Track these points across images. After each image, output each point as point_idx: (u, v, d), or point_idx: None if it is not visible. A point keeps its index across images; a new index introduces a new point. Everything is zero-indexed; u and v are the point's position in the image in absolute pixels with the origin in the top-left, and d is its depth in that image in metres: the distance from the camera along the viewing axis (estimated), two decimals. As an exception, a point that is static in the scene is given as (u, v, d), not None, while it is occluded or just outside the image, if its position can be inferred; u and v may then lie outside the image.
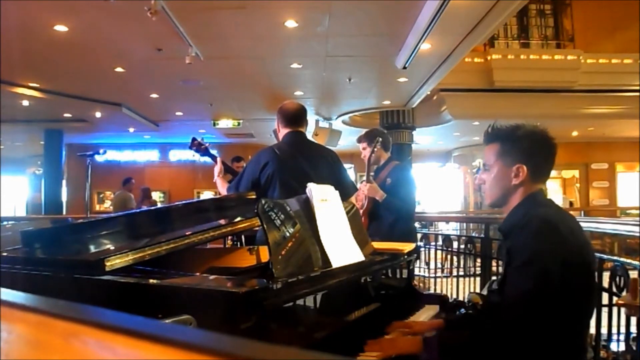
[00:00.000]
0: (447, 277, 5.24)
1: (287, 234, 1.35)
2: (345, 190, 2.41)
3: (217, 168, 2.81)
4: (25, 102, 7.61)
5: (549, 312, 1.25)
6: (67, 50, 5.48)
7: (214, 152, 3.05)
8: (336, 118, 9.49)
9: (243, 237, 3.73)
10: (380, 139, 3.26)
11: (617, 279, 2.39)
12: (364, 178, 3.32)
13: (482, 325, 1.41)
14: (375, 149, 3.23)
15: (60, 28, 4.83)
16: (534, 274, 1.26)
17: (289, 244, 1.34)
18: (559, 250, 1.28)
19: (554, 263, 1.26)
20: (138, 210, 5.23)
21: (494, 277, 3.74)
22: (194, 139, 2.90)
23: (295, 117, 2.59)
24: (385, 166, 3.32)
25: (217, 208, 2.07)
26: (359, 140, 3.40)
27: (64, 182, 10.28)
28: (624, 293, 2.30)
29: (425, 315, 1.79)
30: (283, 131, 2.61)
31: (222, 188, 2.68)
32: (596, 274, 2.69)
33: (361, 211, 3.11)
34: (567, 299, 1.27)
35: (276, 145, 2.57)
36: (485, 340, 1.31)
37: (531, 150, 1.43)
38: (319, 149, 2.74)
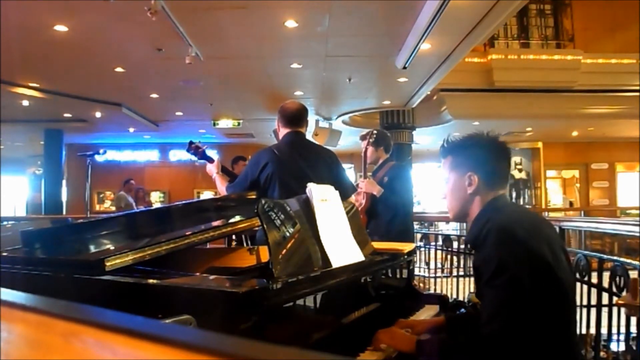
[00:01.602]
0: (447, 277, 5.24)
1: (287, 234, 1.35)
2: (344, 191, 2.41)
3: (215, 165, 2.77)
4: (25, 102, 7.60)
5: (529, 317, 1.24)
6: (67, 50, 5.48)
7: (213, 152, 3.04)
8: (336, 118, 9.49)
9: (249, 237, 3.72)
10: (375, 132, 3.35)
11: (617, 279, 2.39)
12: (361, 175, 3.38)
13: (475, 333, 1.40)
14: (371, 140, 3.29)
15: (60, 28, 4.83)
16: (504, 284, 1.25)
17: (289, 244, 1.34)
18: (522, 254, 1.27)
19: (520, 268, 1.25)
20: (138, 210, 5.24)
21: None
22: (191, 142, 2.88)
23: (295, 118, 2.59)
24: (383, 166, 3.38)
25: (217, 208, 2.07)
26: (362, 138, 3.48)
27: (64, 182, 10.26)
28: (624, 293, 2.30)
29: (425, 315, 1.80)
30: (283, 131, 2.60)
31: (222, 186, 2.67)
32: (596, 273, 2.71)
33: (359, 210, 3.14)
34: (543, 299, 1.26)
35: (275, 146, 2.57)
36: (478, 348, 1.30)
37: (480, 157, 1.45)
38: (318, 149, 2.74)
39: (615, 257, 2.73)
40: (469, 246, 4.43)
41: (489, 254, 1.31)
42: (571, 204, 12.20)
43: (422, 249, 5.37)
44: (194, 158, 2.94)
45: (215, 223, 1.75)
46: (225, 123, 9.82)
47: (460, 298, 4.09)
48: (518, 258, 1.26)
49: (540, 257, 1.28)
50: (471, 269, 4.84)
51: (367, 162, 3.38)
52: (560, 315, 1.32)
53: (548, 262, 1.28)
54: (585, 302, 2.71)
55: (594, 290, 2.67)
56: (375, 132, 3.36)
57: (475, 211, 1.45)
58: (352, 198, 2.88)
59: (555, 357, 1.31)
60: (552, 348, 1.28)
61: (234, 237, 3.75)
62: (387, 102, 8.38)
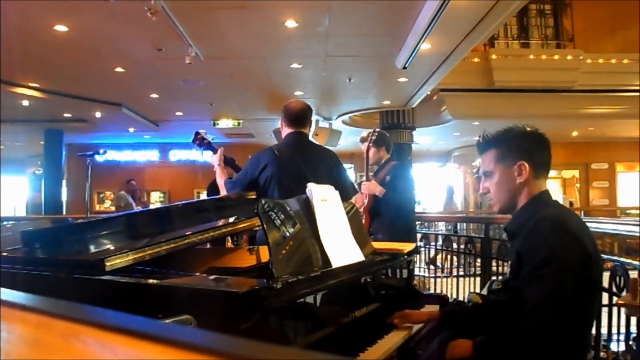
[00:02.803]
0: (447, 277, 5.24)
1: (287, 234, 1.35)
2: (346, 192, 2.40)
3: (217, 156, 2.74)
4: (25, 102, 7.61)
5: (572, 310, 1.27)
6: (67, 50, 5.48)
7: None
8: (336, 118, 9.49)
9: (248, 237, 3.69)
10: (376, 133, 3.36)
11: (617, 279, 2.39)
12: (363, 176, 3.38)
13: (502, 327, 1.40)
14: (373, 137, 3.30)
15: (60, 28, 4.83)
16: (553, 274, 1.27)
17: (289, 244, 1.34)
18: (573, 248, 1.30)
19: (570, 260, 1.28)
20: (138, 210, 5.24)
21: (494, 277, 3.74)
22: (197, 133, 2.86)
23: (298, 118, 2.56)
24: (385, 166, 3.39)
25: (217, 208, 2.07)
26: (362, 140, 3.48)
27: (64, 182, 10.26)
28: (624, 293, 2.30)
29: (425, 315, 1.79)
30: (286, 130, 2.59)
31: (220, 179, 2.65)
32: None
33: (362, 209, 3.15)
34: (585, 295, 1.30)
35: (276, 146, 2.56)
36: (524, 340, 1.30)
37: (529, 146, 1.46)
38: (319, 150, 2.72)
39: (615, 257, 2.73)
40: (465, 244, 4.43)
41: (538, 243, 1.32)
42: (571, 204, 12.19)
43: (422, 249, 5.37)
44: (197, 154, 2.94)
45: (215, 223, 1.75)
46: (225, 123, 9.83)
47: (460, 298, 4.09)
48: (569, 250, 1.29)
49: (587, 251, 1.32)
50: (471, 268, 4.87)
51: (369, 162, 3.39)
52: (591, 309, 1.36)
53: (592, 258, 1.32)
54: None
55: (594, 290, 2.67)
56: (375, 132, 3.37)
57: (522, 202, 1.47)
58: (353, 198, 2.88)
59: (577, 348, 1.35)
60: (578, 340, 1.33)
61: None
62: (387, 102, 8.38)
